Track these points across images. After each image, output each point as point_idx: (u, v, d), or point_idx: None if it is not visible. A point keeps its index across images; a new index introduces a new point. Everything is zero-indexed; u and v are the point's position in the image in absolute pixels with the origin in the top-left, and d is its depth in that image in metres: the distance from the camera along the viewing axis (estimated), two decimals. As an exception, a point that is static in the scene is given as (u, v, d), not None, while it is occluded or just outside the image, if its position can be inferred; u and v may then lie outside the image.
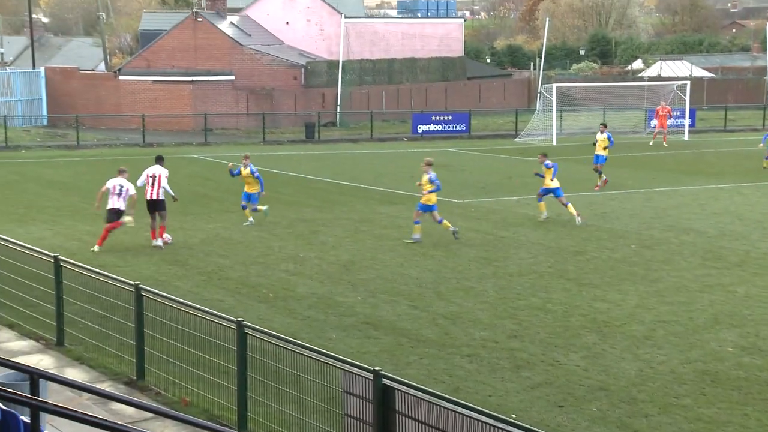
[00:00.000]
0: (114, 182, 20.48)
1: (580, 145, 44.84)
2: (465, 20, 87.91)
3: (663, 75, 70.53)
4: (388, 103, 56.75)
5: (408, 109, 55.29)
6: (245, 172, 23.34)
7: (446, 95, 60.36)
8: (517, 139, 47.61)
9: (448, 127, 50.25)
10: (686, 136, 47.93)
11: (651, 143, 44.03)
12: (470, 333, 14.85)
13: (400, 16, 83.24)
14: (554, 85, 48.25)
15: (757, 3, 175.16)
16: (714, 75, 73.45)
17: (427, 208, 21.78)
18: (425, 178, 21.86)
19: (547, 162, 24.33)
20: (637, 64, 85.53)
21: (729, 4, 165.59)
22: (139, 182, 21.15)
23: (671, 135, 47.10)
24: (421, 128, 49.65)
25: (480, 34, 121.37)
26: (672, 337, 14.63)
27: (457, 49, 67.91)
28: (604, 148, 30.71)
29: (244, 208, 23.64)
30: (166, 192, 21.15)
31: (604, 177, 30.31)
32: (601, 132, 31.35)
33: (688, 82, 51.18)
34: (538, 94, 51.71)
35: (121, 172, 20.71)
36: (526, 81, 68.24)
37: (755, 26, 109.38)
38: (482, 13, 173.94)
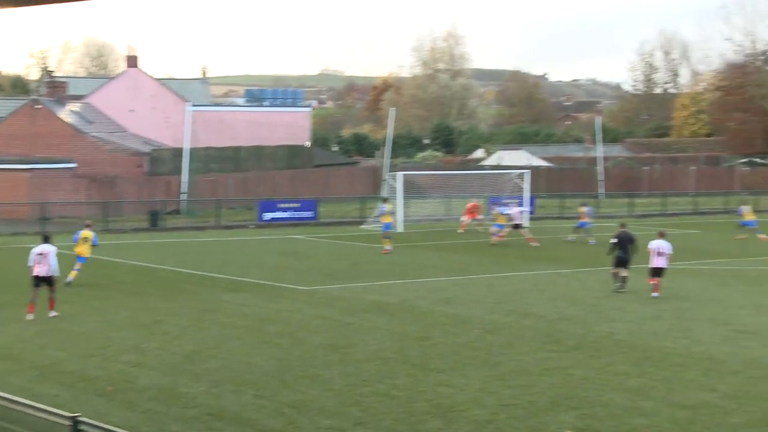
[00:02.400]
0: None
1: (425, 231, 45.77)
2: (312, 109, 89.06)
3: (503, 164, 73.05)
4: (235, 191, 56.51)
5: (255, 197, 55.17)
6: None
7: (293, 183, 60.60)
8: (363, 226, 48.12)
9: (296, 214, 50.40)
10: (526, 223, 49.48)
11: (460, 230, 44.79)
12: (316, 421, 14.71)
13: (247, 104, 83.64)
14: (399, 173, 49.24)
15: (589, 98, 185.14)
16: (551, 164, 76.62)
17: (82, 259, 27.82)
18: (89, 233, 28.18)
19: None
20: (479, 152, 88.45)
21: (563, 98, 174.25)
22: (30, 261, 22.79)
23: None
24: (268, 215, 49.62)
25: (327, 122, 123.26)
26: (513, 420, 14.88)
27: (304, 137, 68.59)
28: (391, 215, 38.95)
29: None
30: (53, 268, 22.80)
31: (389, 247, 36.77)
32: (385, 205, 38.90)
33: (528, 171, 53.10)
34: (383, 182, 52.57)
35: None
36: (372, 169, 69.34)
37: (587, 119, 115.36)
38: (329, 102, 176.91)
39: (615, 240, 28.03)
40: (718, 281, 30.21)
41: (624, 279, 27.59)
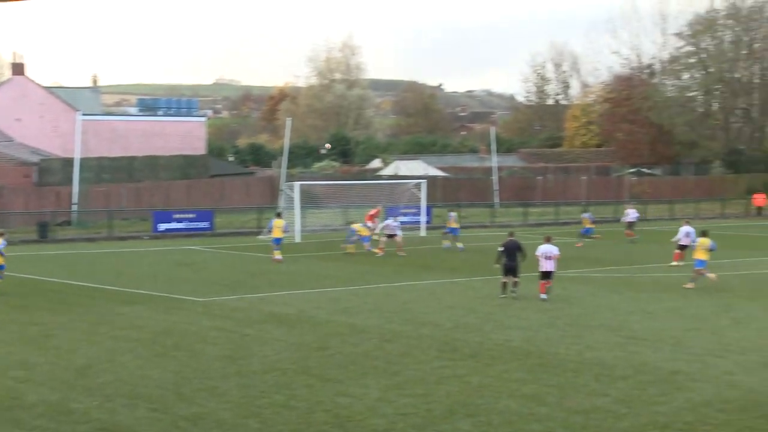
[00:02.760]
0: None
1: (323, 241, 45.69)
2: (207, 119, 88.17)
3: (400, 173, 73.50)
4: (128, 201, 55.42)
5: (149, 207, 54.22)
6: None
7: (189, 193, 59.79)
8: (260, 236, 47.74)
9: (191, 224, 49.73)
10: (423, 233, 49.95)
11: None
12: (213, 435, 14.49)
13: (140, 114, 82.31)
14: (297, 183, 49.05)
15: (483, 108, 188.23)
16: (447, 174, 77.46)
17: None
18: None
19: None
20: (376, 162, 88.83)
21: (458, 109, 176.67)
22: None
23: (410, 231, 49.12)
24: (163, 226, 48.84)
25: (223, 132, 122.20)
26: (411, 429, 14.93)
27: (199, 147, 67.82)
28: (284, 231, 38.08)
29: None
30: None
31: (279, 257, 36.84)
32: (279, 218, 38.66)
33: (425, 181, 53.56)
34: (281, 192, 52.32)
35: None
36: (268, 179, 68.93)
37: (482, 130, 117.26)
38: (224, 112, 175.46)
39: (501, 248, 28.43)
40: (608, 288, 30.98)
41: (515, 284, 28.06)
